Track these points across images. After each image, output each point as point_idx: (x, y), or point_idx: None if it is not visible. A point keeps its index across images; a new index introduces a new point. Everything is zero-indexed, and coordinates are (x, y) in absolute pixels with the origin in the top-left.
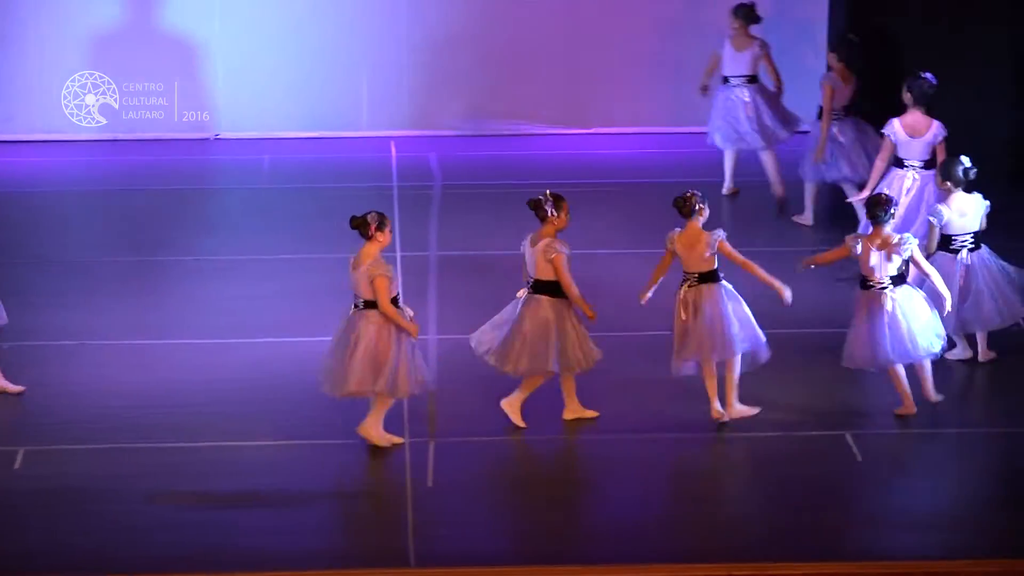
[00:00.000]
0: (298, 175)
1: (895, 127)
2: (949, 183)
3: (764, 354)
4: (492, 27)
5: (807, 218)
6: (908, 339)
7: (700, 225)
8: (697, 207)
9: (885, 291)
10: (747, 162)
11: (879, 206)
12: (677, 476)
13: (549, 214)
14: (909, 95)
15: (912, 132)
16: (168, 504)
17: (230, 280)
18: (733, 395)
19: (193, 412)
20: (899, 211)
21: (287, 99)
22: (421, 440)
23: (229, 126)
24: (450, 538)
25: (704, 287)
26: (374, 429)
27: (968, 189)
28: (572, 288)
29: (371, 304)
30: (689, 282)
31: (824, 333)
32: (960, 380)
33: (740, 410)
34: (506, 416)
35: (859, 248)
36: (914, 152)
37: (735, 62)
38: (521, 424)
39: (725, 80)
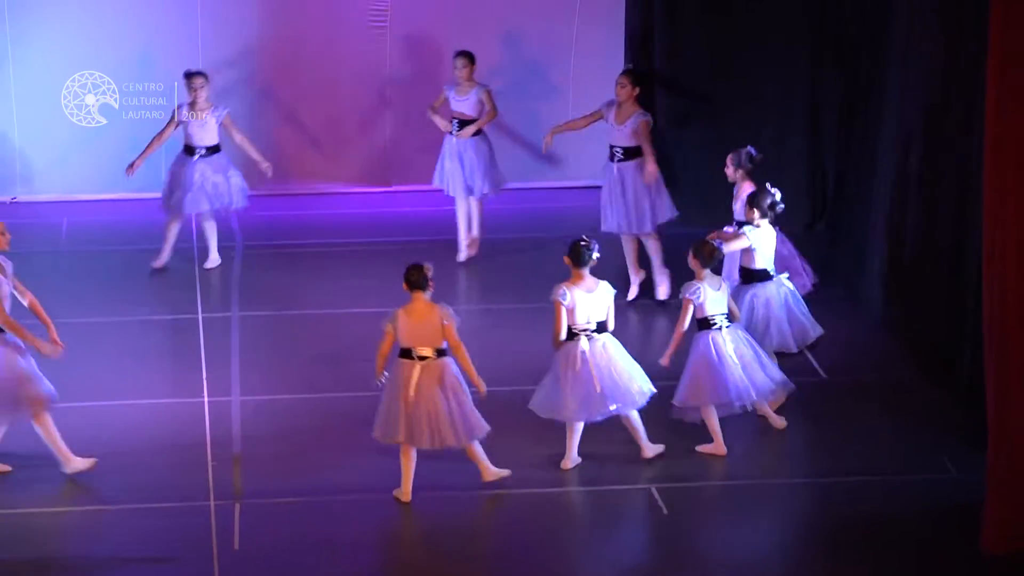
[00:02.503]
0: (99, 237)
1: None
2: (756, 212)
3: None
4: (292, 83)
5: None
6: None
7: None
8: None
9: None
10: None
11: None
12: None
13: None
14: (734, 170)
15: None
16: None
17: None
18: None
19: None
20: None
21: (86, 160)
22: (227, 503)
23: (27, 189)
24: None
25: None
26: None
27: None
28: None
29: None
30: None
31: None
32: (752, 429)
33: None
34: (314, 475)
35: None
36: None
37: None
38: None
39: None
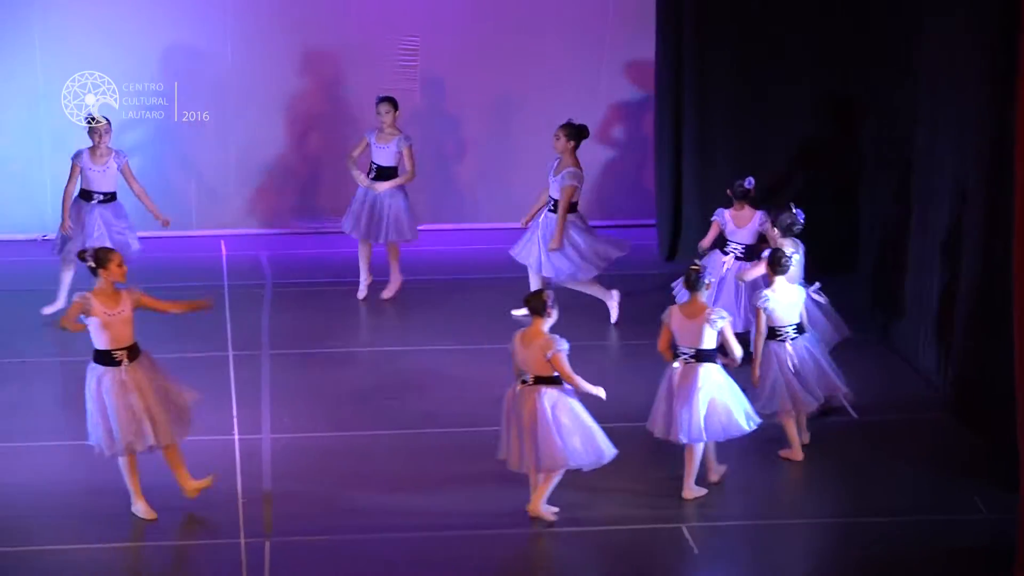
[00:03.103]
0: (132, 273)
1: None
2: (777, 229)
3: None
4: (320, 125)
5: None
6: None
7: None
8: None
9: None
10: None
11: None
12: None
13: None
14: (776, 231)
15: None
16: None
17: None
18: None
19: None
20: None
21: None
22: (257, 540)
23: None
24: None
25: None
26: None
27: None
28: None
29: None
30: None
31: None
32: (783, 468)
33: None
34: (344, 513)
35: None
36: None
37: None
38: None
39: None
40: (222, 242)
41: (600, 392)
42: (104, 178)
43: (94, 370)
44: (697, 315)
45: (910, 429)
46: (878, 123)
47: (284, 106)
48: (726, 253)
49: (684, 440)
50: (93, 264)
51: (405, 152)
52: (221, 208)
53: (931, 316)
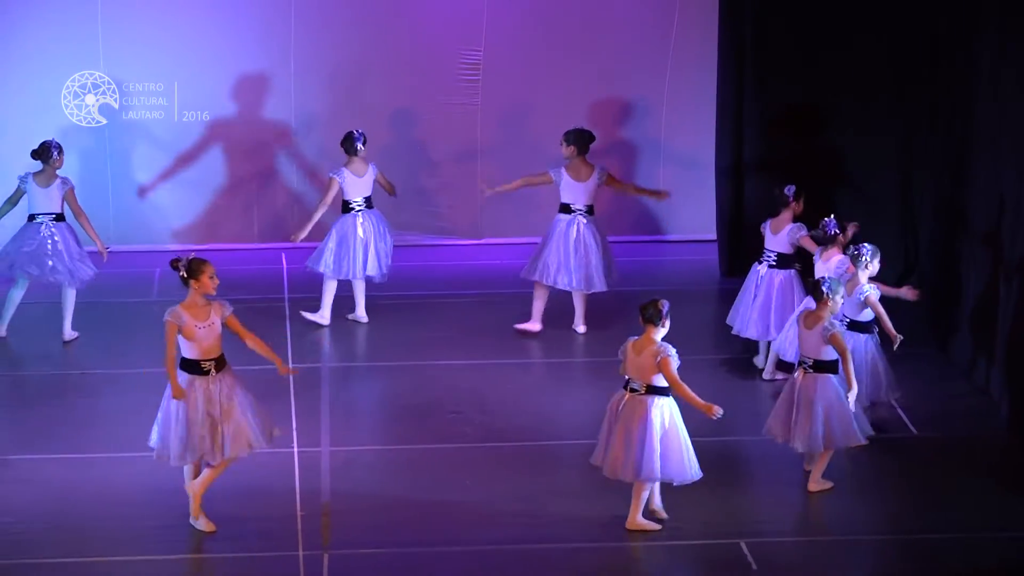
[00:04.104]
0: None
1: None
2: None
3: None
4: (382, 137)
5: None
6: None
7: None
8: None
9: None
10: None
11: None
12: None
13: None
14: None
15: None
16: None
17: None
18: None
19: (87, 526)
20: None
21: (178, 212)
22: (315, 553)
23: (119, 238)
24: None
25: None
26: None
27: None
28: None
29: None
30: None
31: (713, 441)
32: (839, 484)
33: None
34: (402, 527)
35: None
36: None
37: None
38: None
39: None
40: (283, 255)
41: (713, 411)
42: (49, 200)
43: (180, 377)
44: (815, 324)
45: (967, 445)
46: (935, 137)
47: (346, 123)
48: (760, 262)
49: (800, 449)
50: (184, 274)
51: (379, 177)
52: (282, 222)
53: (988, 331)
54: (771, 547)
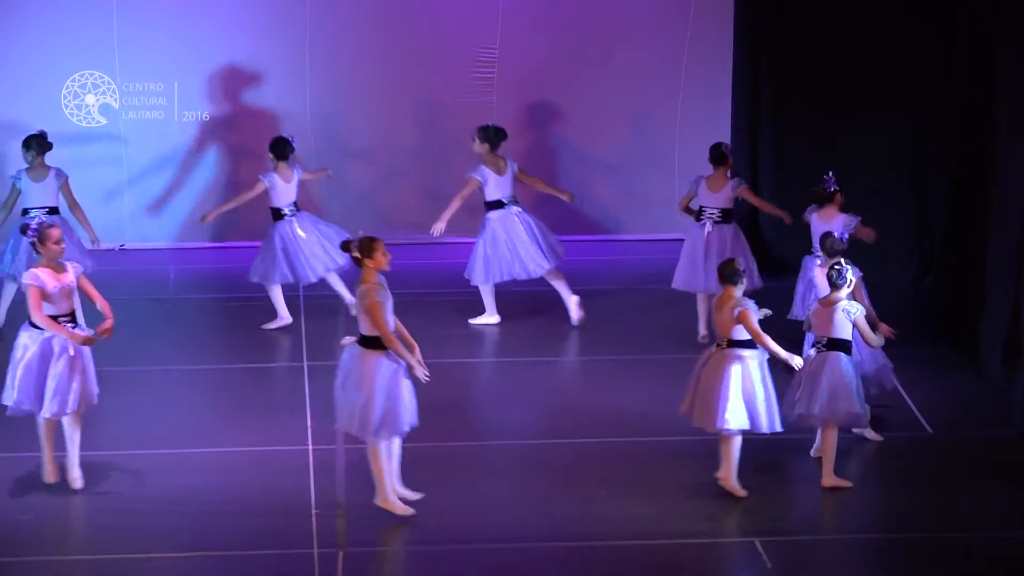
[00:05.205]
0: (205, 285)
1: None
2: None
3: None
4: (396, 135)
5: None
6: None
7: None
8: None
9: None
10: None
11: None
12: None
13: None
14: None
15: None
16: None
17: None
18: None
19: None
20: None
21: (197, 209)
22: (330, 551)
23: (135, 236)
24: None
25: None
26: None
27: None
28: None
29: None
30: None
31: None
32: (863, 481)
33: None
34: (417, 525)
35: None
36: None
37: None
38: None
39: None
40: None
41: (795, 361)
42: (46, 193)
43: (369, 355)
44: (830, 304)
45: (984, 445)
46: (953, 136)
47: (360, 120)
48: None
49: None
50: (358, 255)
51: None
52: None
53: (1005, 333)
54: (786, 545)
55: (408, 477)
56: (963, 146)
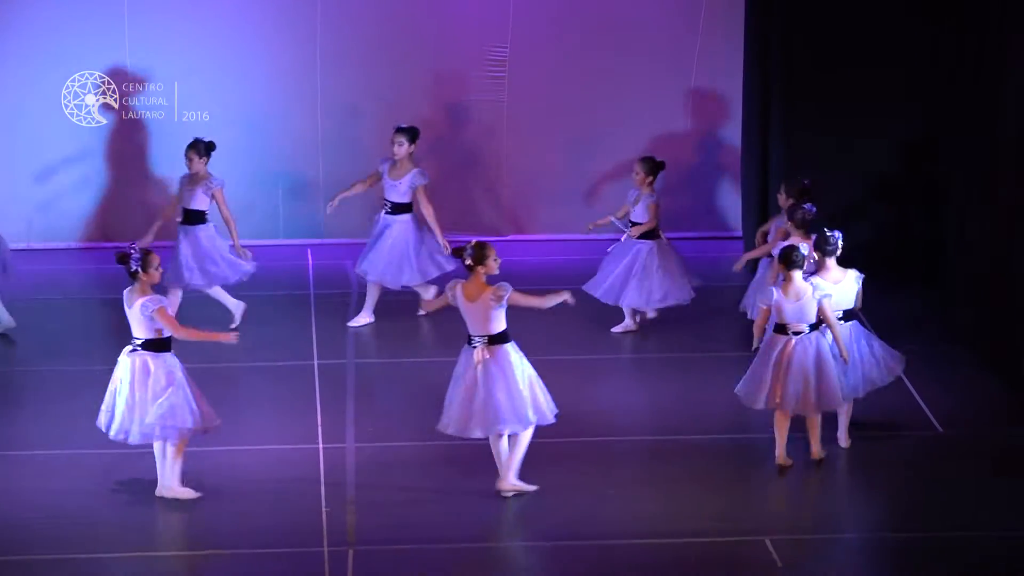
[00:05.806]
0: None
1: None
2: (818, 253)
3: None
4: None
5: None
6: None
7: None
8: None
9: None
10: None
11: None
12: None
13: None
14: (792, 224)
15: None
16: None
17: None
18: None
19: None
20: None
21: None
22: (340, 549)
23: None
24: None
25: None
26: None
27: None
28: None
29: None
30: None
31: (738, 438)
32: (865, 480)
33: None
34: (427, 523)
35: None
36: None
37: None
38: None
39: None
40: (309, 251)
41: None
42: None
43: (502, 349)
44: (804, 292)
45: (993, 443)
46: (967, 136)
47: (370, 118)
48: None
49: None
50: (471, 262)
51: (420, 193)
52: (308, 217)
53: (1020, 329)
54: (796, 544)
55: (421, 474)
56: (980, 143)
